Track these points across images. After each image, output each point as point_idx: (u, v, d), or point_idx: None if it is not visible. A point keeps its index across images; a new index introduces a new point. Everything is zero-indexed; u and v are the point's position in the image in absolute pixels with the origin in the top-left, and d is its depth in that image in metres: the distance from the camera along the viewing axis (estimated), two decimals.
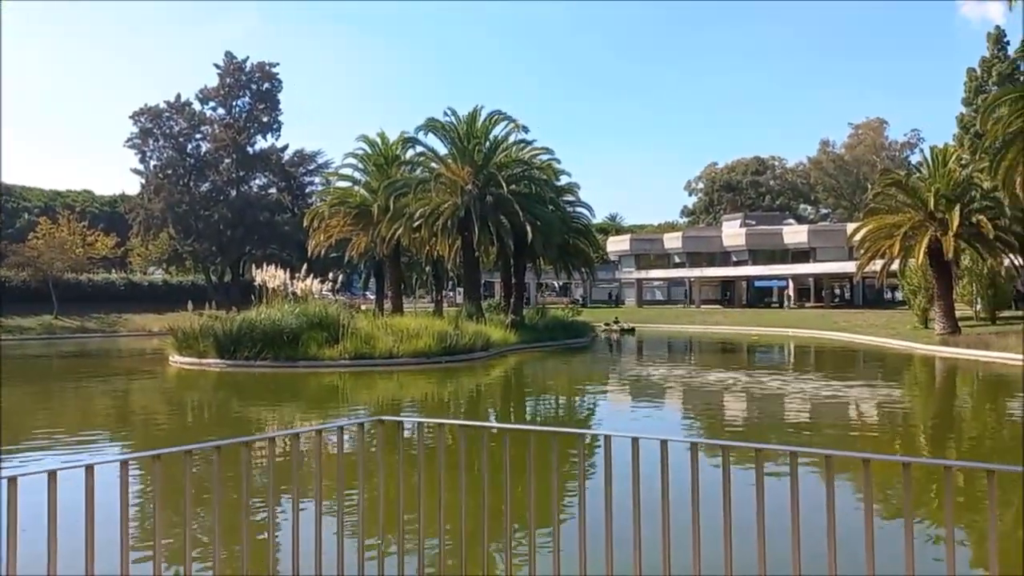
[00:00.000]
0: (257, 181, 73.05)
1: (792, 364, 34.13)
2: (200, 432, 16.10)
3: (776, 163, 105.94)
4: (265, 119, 70.28)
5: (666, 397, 22.39)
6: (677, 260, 78.91)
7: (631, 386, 25.13)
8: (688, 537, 3.63)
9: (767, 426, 16.72)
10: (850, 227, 50.97)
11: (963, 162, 42.69)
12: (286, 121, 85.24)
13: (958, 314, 37.33)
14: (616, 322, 54.62)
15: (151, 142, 67.95)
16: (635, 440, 3.81)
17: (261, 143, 71.30)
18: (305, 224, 48.42)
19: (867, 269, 40.22)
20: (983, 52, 61.53)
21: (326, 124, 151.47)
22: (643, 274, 79.45)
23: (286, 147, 72.75)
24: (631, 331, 52.50)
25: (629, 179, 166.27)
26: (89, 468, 3.46)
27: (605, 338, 48.43)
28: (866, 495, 3.38)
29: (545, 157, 42.83)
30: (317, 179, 72.65)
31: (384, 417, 4.75)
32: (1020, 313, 42.79)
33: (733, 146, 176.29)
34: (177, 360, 28.67)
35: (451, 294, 71.21)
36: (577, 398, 22.24)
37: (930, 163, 38.59)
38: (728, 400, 21.11)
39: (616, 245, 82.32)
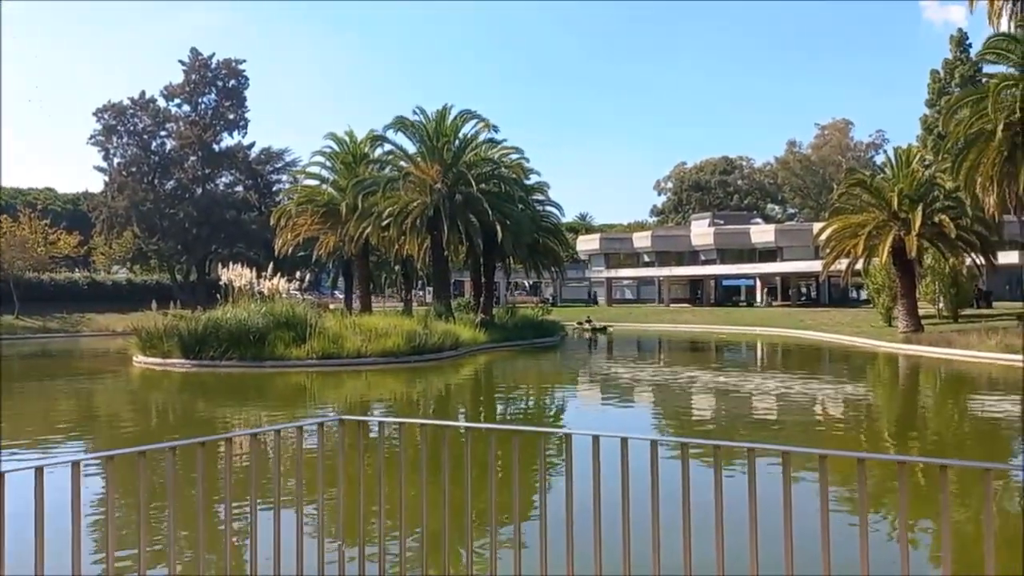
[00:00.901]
0: (223, 179, 72.14)
1: (760, 362, 34.45)
2: (162, 434, 15.86)
3: (744, 163, 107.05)
4: (231, 116, 69.37)
5: (635, 395, 22.50)
6: (646, 259, 79.39)
7: (600, 385, 25.22)
8: (650, 534, 3.63)
9: (732, 422, 16.84)
10: (816, 227, 51.58)
11: (926, 163, 43.39)
12: (253, 118, 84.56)
13: (921, 312, 37.90)
14: (588, 321, 54.66)
15: (115, 139, 66.86)
16: (596, 438, 3.80)
17: (227, 140, 70.47)
18: (272, 223, 47.97)
19: (832, 268, 40.74)
20: (946, 54, 62.83)
21: (293, 122, 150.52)
22: (613, 273, 79.80)
23: (253, 145, 72.06)
24: (603, 330, 52.63)
25: (599, 179, 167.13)
26: (39, 470, 3.39)
27: (578, 337, 48.56)
28: (822, 491, 3.40)
29: (515, 156, 42.80)
30: (284, 177, 72.13)
31: (345, 416, 4.71)
32: (981, 311, 43.60)
33: (702, 146, 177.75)
34: (141, 360, 28.24)
35: (420, 293, 71.00)
36: (545, 397, 22.26)
37: (894, 164, 39.14)
38: (697, 398, 21.25)
39: (586, 244, 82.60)
